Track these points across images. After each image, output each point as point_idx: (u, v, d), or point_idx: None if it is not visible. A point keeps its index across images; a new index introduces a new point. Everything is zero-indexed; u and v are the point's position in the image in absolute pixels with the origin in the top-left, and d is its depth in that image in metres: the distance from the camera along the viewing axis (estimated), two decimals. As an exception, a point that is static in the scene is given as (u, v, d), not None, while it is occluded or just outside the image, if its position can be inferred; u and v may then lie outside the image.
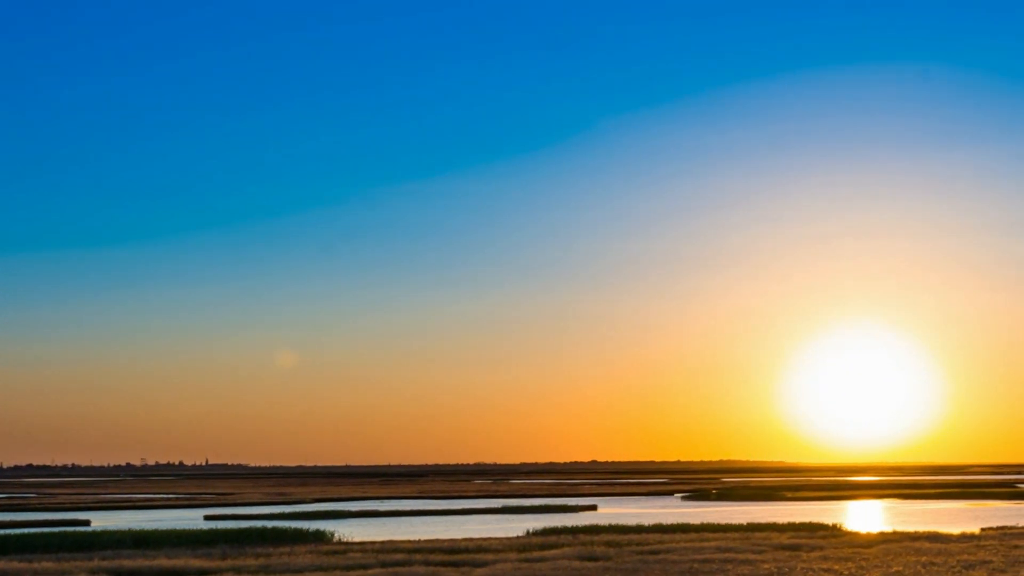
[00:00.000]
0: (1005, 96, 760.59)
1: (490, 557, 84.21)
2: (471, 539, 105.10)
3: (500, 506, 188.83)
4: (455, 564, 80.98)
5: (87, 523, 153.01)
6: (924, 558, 78.57)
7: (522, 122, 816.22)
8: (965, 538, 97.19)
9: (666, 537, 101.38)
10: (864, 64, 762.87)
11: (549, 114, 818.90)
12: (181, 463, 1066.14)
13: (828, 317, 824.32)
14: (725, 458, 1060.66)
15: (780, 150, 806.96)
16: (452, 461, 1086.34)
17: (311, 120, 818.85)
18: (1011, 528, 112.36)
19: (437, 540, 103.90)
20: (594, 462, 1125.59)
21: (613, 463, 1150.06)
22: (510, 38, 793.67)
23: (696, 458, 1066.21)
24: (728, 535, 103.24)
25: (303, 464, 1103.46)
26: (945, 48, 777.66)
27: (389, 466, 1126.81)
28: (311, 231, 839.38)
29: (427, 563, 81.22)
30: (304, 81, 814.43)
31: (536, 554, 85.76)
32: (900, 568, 73.07)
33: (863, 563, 76.07)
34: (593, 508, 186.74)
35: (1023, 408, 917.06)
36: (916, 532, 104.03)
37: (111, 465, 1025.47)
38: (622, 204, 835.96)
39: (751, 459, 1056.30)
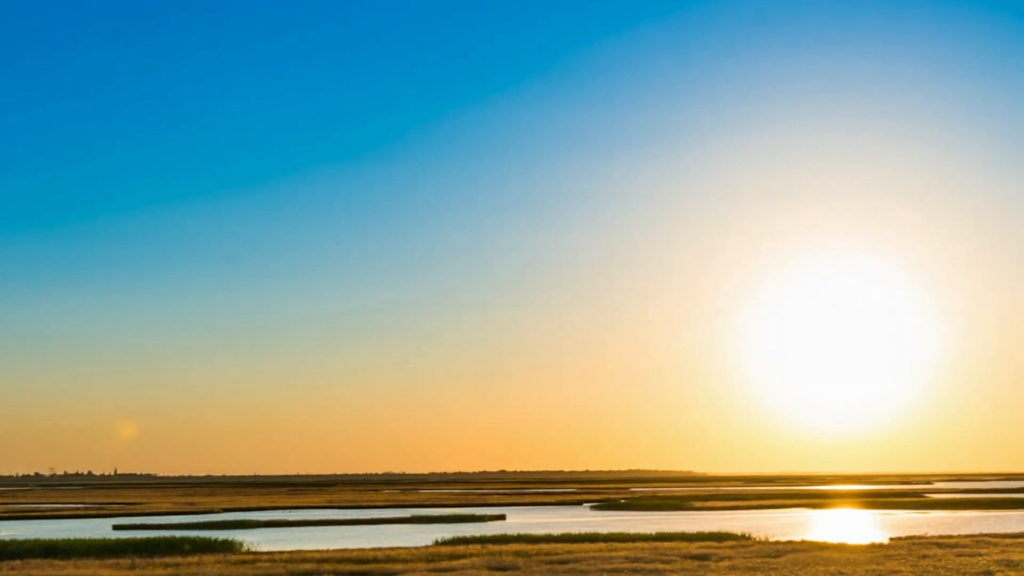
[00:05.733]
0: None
1: (399, 567, 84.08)
2: (380, 549, 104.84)
3: (409, 516, 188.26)
4: (364, 574, 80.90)
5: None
6: (833, 568, 79.05)
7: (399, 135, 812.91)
8: (873, 548, 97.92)
9: (575, 547, 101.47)
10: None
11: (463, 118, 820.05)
12: (90, 473, 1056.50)
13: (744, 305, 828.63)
14: (634, 468, 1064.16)
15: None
16: (361, 471, 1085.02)
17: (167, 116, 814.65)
18: (919, 537, 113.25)
19: (346, 550, 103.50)
20: (503, 472, 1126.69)
21: (522, 473, 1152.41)
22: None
23: (605, 468, 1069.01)
24: (637, 545, 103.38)
25: (211, 474, 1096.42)
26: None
27: (297, 476, 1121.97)
28: (221, 228, 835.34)
29: (336, 573, 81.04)
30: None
31: (445, 564, 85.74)
32: (808, 578, 73.51)
33: (772, 573, 76.44)
34: (502, 518, 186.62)
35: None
36: (825, 542, 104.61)
37: (19, 475, 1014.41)
38: (522, 212, 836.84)
39: (661, 469, 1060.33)
